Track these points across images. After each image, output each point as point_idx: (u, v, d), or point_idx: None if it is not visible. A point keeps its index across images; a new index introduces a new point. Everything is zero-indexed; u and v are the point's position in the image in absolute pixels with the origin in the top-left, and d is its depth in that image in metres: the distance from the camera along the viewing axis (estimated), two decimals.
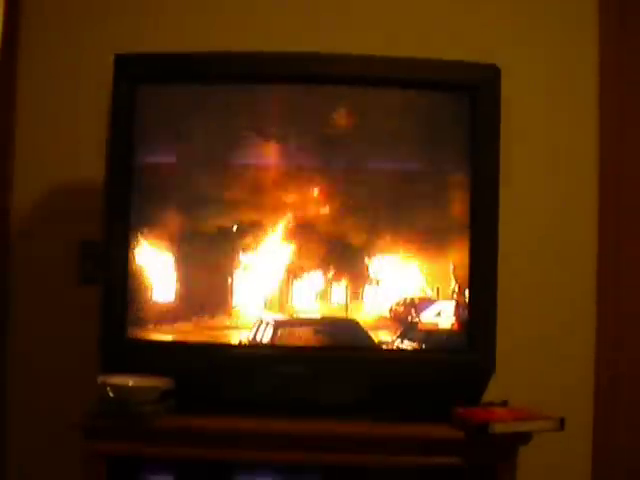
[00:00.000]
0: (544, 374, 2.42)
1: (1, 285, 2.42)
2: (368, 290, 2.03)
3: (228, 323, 2.02)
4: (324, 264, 2.03)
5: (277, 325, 2.01)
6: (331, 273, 2.02)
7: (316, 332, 2.02)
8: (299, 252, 2.03)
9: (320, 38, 2.39)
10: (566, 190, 2.47)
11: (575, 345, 2.45)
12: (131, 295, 2.01)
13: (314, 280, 2.03)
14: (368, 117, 2.04)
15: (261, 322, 2.01)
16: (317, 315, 2.03)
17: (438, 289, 2.03)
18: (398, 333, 2.02)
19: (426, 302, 2.02)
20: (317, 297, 2.03)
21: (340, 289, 2.03)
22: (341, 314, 2.03)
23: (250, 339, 2.01)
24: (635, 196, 2.47)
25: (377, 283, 2.03)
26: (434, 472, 1.94)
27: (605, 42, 2.46)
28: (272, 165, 2.04)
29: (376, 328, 2.02)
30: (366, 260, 2.03)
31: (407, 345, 2.02)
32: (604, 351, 2.45)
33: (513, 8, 2.48)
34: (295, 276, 2.03)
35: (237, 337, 2.02)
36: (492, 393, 2.03)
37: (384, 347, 2.02)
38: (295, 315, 2.03)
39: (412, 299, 2.03)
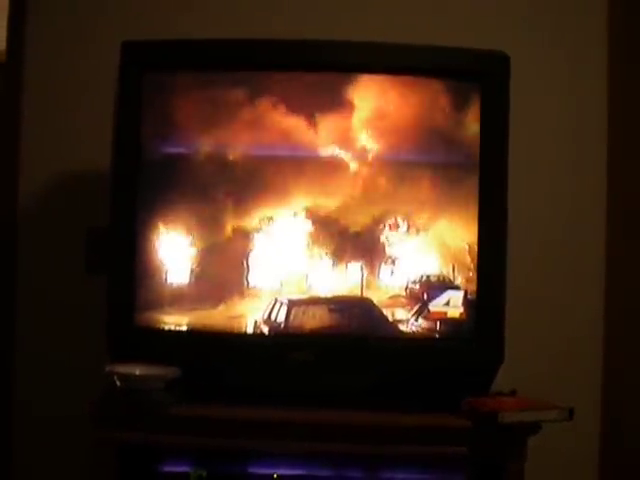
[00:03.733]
0: (553, 364, 2.42)
1: (8, 274, 2.41)
2: (384, 269, 2.02)
3: (241, 306, 2.01)
4: (340, 244, 2.02)
5: (291, 305, 2.00)
6: (346, 252, 2.01)
7: (330, 311, 2.01)
8: (314, 233, 2.02)
9: (325, 25, 2.39)
10: (575, 178, 2.47)
11: (584, 335, 2.45)
12: (139, 283, 2.00)
13: (329, 260, 2.02)
14: (375, 105, 2.02)
15: (275, 302, 2.00)
16: (331, 294, 2.02)
17: (454, 266, 2.02)
18: (413, 311, 2.01)
19: (439, 284, 2.01)
20: (332, 277, 2.02)
21: (356, 268, 2.02)
22: (356, 293, 2.02)
23: (264, 319, 2.00)
24: None
25: (393, 262, 2.02)
26: (443, 461, 1.94)
27: (614, 27, 2.45)
28: (283, 151, 2.03)
29: (391, 306, 2.01)
30: (382, 239, 2.02)
31: (421, 324, 2.01)
32: (613, 341, 2.44)
33: None
34: (310, 256, 2.02)
35: (249, 321, 2.01)
36: (500, 383, 2.03)
37: (394, 335, 2.02)
38: (309, 295, 2.02)
39: (428, 277, 2.02)
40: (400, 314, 2.02)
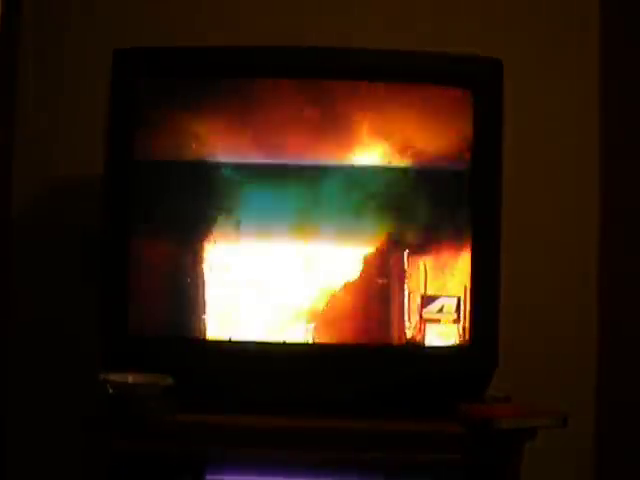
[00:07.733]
0: (547, 369, 2.42)
1: (2, 283, 2.41)
2: None
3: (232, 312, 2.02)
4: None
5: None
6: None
7: None
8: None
9: (320, 31, 2.39)
10: (567, 184, 2.48)
11: (577, 341, 2.45)
12: (132, 291, 1.99)
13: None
14: (364, 113, 2.02)
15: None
16: None
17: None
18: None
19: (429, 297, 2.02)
20: None
21: None
22: None
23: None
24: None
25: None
26: (436, 468, 1.93)
27: (607, 34, 2.46)
28: (280, 160, 2.04)
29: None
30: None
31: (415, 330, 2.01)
32: (606, 345, 2.44)
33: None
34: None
35: (241, 327, 2.02)
36: (494, 389, 2.02)
37: (387, 341, 2.02)
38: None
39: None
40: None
